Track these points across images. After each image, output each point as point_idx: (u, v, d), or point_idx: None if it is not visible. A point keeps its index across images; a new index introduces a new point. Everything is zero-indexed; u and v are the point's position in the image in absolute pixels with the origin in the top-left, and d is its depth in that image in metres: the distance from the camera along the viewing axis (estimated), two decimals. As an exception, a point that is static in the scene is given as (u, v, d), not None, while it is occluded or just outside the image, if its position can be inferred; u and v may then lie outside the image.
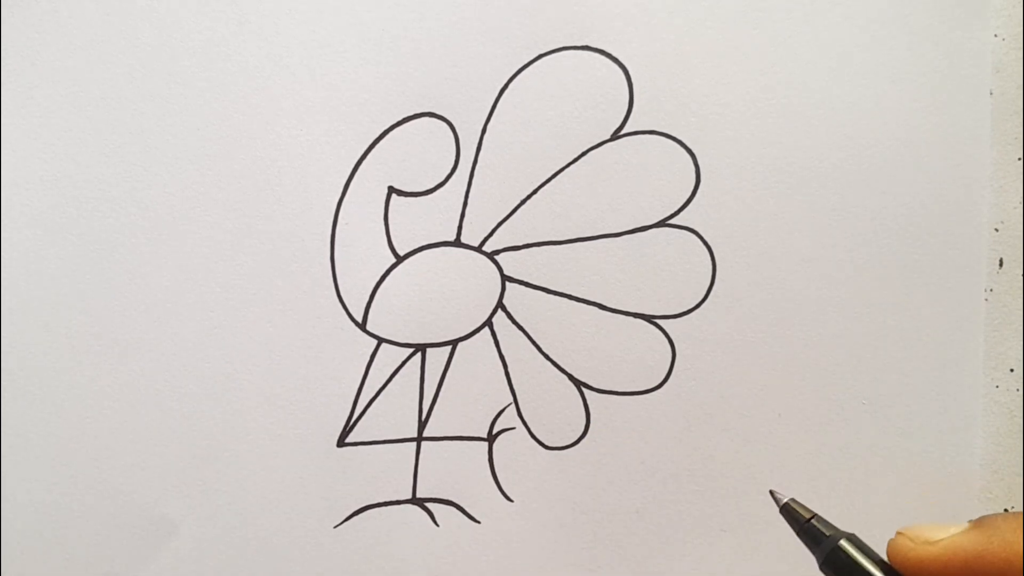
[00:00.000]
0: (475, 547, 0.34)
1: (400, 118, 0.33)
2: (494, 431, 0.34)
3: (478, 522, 0.34)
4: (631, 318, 0.34)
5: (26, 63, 0.30)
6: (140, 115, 0.31)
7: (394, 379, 0.34)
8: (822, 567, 0.23)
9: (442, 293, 0.34)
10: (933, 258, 0.35)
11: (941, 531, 0.21)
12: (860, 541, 0.22)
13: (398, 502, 0.34)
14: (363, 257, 0.33)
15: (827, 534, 0.23)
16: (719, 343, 0.34)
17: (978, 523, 0.20)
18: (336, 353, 0.33)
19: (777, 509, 0.24)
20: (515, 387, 0.34)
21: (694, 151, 0.34)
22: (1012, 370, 0.36)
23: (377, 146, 0.33)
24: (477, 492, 0.34)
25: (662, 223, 0.34)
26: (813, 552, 0.23)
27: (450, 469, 0.34)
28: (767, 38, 0.34)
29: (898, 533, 0.21)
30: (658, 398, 0.34)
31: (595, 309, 0.34)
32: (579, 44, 0.33)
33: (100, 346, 0.32)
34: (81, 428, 0.32)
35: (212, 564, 0.33)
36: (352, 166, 0.33)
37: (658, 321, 0.34)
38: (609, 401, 0.34)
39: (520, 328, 0.34)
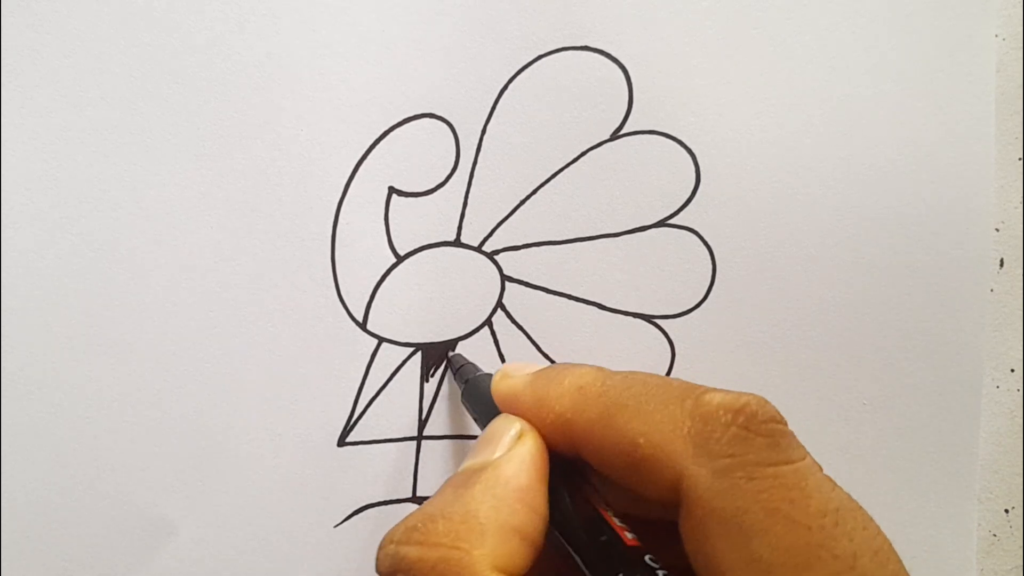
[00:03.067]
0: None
1: (400, 119, 0.33)
2: (494, 431, 0.34)
3: (478, 522, 0.34)
4: (631, 318, 0.34)
5: (26, 63, 0.30)
6: (140, 115, 0.31)
7: (394, 378, 0.34)
8: (463, 394, 0.30)
9: (442, 293, 0.34)
10: (934, 258, 0.35)
11: (521, 369, 0.24)
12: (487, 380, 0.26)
13: (399, 501, 0.34)
14: (363, 257, 0.33)
15: (473, 372, 0.30)
16: (719, 343, 0.34)
17: (544, 371, 0.23)
18: (336, 353, 0.33)
19: None
20: (515, 387, 0.34)
21: (694, 151, 0.34)
22: (1013, 370, 0.36)
23: (378, 147, 0.33)
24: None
25: (662, 223, 0.34)
26: (459, 385, 0.31)
27: (451, 468, 0.34)
28: (767, 38, 0.34)
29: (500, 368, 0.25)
30: (658, 398, 0.34)
31: (594, 309, 0.34)
32: (579, 44, 0.33)
33: (100, 346, 0.32)
34: (81, 428, 0.32)
35: (212, 564, 0.33)
36: (353, 166, 0.33)
37: (657, 321, 0.34)
38: (609, 401, 0.34)
39: (520, 328, 0.34)
